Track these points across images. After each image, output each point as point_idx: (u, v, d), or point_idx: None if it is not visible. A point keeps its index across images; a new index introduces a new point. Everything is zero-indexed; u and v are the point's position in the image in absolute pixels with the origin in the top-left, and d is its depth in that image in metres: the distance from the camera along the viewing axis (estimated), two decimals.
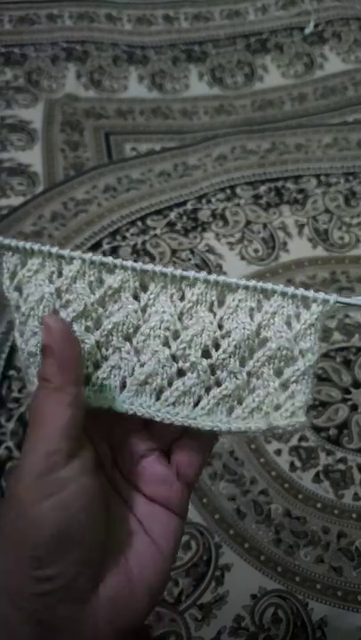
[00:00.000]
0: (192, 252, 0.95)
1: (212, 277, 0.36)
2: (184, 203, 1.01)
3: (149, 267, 0.36)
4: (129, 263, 0.36)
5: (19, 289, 0.36)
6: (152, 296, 0.36)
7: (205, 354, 0.36)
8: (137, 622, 0.34)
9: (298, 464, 0.77)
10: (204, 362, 0.36)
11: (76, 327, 0.36)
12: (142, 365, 0.36)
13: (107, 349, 0.36)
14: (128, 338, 0.36)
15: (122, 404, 0.36)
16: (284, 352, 0.36)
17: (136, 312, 0.36)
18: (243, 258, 0.95)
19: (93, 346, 0.36)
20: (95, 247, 0.94)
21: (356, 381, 0.83)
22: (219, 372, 0.36)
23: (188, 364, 0.36)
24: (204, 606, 0.68)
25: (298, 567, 0.71)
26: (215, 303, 0.36)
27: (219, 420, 0.36)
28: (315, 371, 0.36)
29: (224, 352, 0.36)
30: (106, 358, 0.37)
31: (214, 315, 0.36)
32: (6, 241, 0.36)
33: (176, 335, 0.36)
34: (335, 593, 0.69)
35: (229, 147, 1.09)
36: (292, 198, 1.02)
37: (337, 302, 0.36)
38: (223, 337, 0.36)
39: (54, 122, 1.11)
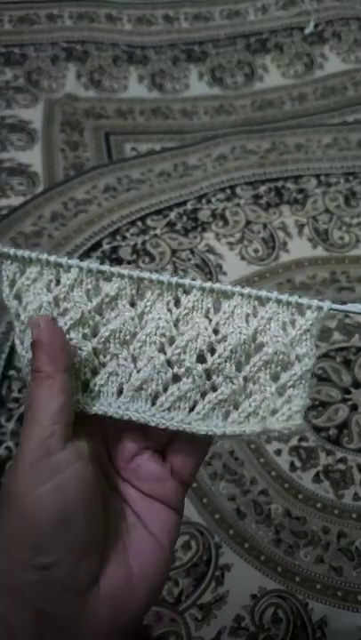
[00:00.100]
0: (192, 252, 0.95)
1: (208, 285, 0.36)
2: (184, 203, 1.01)
3: (146, 274, 0.36)
4: (126, 271, 0.36)
5: (18, 297, 0.37)
6: (149, 303, 0.36)
7: (200, 359, 0.36)
8: (136, 620, 0.34)
9: (298, 464, 0.77)
10: (199, 367, 0.36)
11: (73, 335, 0.36)
12: (139, 371, 0.36)
13: (104, 356, 0.37)
14: (125, 344, 0.36)
15: (117, 411, 0.36)
16: (280, 357, 0.36)
17: (133, 319, 0.36)
18: (243, 258, 0.95)
19: (91, 353, 0.36)
20: (95, 247, 0.95)
21: (356, 381, 0.83)
22: (215, 377, 0.36)
23: (183, 370, 0.36)
24: (204, 606, 0.68)
25: (298, 567, 0.71)
26: (211, 310, 0.36)
27: (214, 425, 0.36)
28: (311, 375, 0.37)
29: (220, 357, 0.36)
30: (103, 365, 0.37)
31: (210, 321, 0.36)
32: (5, 249, 0.36)
33: (172, 341, 0.36)
34: (335, 593, 0.70)
35: (229, 147, 1.09)
36: (292, 198, 1.02)
37: (331, 309, 0.36)
38: (219, 342, 0.36)
39: (54, 122, 1.12)
